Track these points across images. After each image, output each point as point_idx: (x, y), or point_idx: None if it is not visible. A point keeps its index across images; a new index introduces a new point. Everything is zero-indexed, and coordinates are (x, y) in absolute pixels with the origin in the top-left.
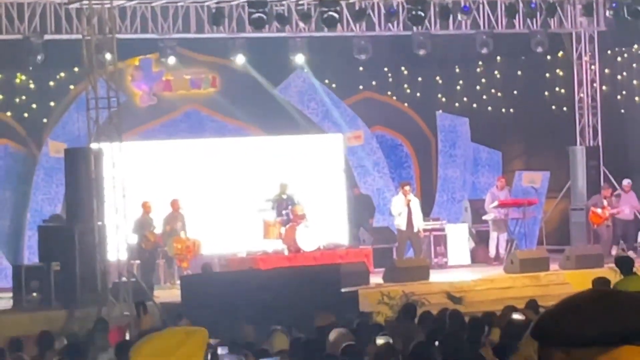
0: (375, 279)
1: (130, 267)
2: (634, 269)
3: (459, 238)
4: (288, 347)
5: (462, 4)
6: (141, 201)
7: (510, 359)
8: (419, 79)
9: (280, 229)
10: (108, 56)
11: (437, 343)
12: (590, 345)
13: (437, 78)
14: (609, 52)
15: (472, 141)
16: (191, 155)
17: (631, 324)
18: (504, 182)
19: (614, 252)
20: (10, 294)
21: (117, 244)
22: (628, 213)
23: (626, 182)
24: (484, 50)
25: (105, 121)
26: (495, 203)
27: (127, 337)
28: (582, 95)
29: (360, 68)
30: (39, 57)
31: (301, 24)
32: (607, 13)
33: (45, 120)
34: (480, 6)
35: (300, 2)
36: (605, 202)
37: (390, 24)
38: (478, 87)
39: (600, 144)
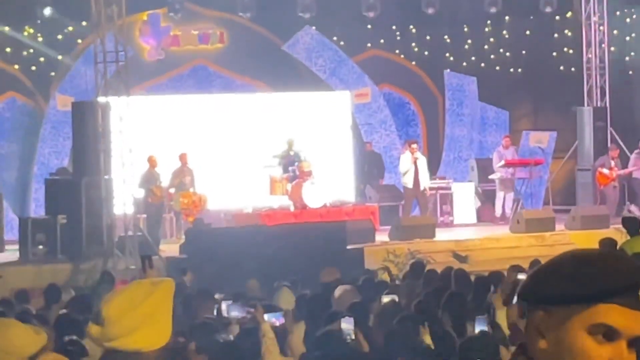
0: (381, 236)
1: (136, 221)
2: None
3: (465, 197)
4: (293, 304)
5: None
6: (147, 155)
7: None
8: (427, 37)
9: (287, 185)
10: (116, 10)
11: (441, 302)
12: (569, 303)
13: (446, 37)
14: (617, 12)
15: (480, 100)
16: (198, 111)
17: (607, 282)
18: (509, 141)
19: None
20: (17, 247)
21: (124, 198)
22: None
23: None
24: (493, 10)
25: (112, 75)
26: (502, 162)
27: None
28: (590, 56)
29: (369, 26)
30: (47, 11)
31: None
32: None
33: (52, 73)
34: None
35: None
36: (612, 163)
37: None
38: (486, 47)
39: (607, 104)
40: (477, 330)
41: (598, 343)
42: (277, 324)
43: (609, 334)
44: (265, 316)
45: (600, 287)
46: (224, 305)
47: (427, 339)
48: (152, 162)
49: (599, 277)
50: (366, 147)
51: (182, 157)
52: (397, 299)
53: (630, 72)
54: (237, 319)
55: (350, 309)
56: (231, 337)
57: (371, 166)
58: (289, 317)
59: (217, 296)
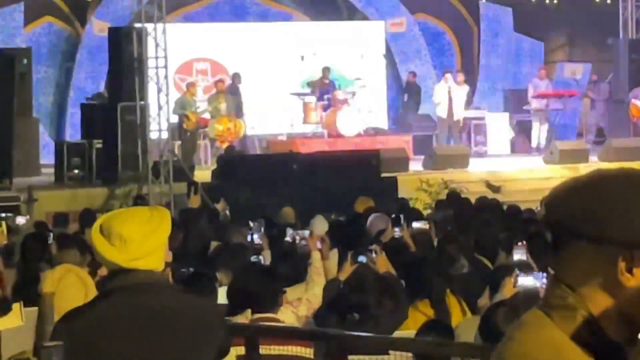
0: (415, 165)
1: (171, 147)
2: None
3: (499, 127)
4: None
5: None
6: (187, 82)
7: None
8: None
9: (321, 113)
10: None
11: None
12: None
13: None
14: None
15: (515, 31)
16: (234, 38)
17: None
18: (545, 73)
19: None
20: (52, 170)
21: (159, 124)
22: None
23: None
24: None
25: (149, 1)
26: (534, 93)
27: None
28: None
29: None
30: None
31: None
32: None
33: None
34: None
35: None
36: None
37: None
38: None
39: None
40: (515, 258)
41: None
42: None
43: None
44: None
45: None
46: (257, 233)
47: (463, 265)
48: (191, 88)
49: None
50: (409, 78)
51: (219, 83)
52: (427, 227)
53: None
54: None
55: (379, 235)
56: (262, 261)
57: (410, 97)
58: (325, 243)
59: (251, 223)
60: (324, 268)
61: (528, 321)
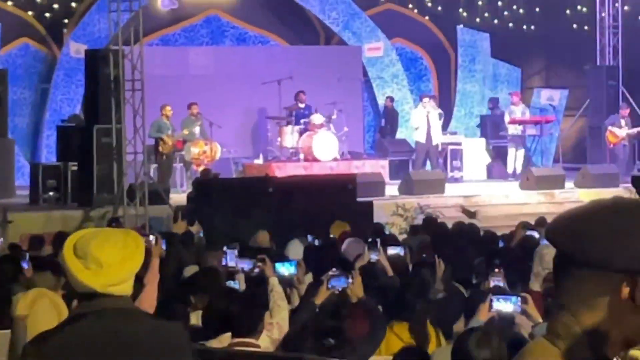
0: (391, 190)
1: (147, 170)
2: None
3: (475, 153)
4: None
5: None
6: (160, 105)
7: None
8: None
9: (298, 137)
10: None
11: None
12: None
13: None
14: None
15: (492, 57)
16: (211, 61)
17: None
18: (518, 98)
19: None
20: (27, 192)
21: (135, 146)
22: None
23: None
24: None
25: (126, 24)
26: (509, 119)
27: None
28: (603, 14)
29: None
30: None
31: None
32: None
33: (66, 20)
34: None
35: None
36: (623, 122)
37: None
38: (500, 3)
39: (620, 63)
40: (492, 285)
41: None
42: (287, 273)
43: None
44: (277, 265)
45: None
46: (231, 256)
47: (438, 290)
48: (165, 111)
49: None
50: (386, 102)
51: (192, 107)
52: (402, 253)
53: None
54: (245, 272)
55: (356, 260)
56: (237, 285)
57: (387, 121)
58: (301, 267)
59: (225, 248)
60: (299, 292)
61: (533, 350)
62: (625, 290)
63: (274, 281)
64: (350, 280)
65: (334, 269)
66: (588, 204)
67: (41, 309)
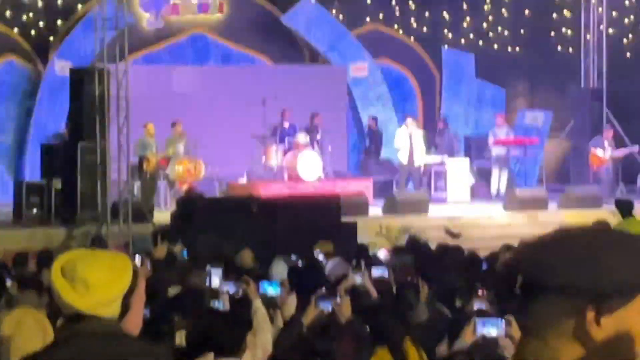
0: (375, 210)
1: (130, 188)
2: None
3: (459, 174)
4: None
5: None
6: (144, 123)
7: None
8: (426, 13)
9: (282, 156)
10: None
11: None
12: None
13: (444, 13)
14: None
15: (477, 78)
16: (196, 80)
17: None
18: (503, 120)
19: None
20: (11, 209)
21: (119, 165)
22: None
23: None
24: None
25: (111, 42)
26: (493, 140)
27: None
28: (588, 37)
29: (368, 0)
30: None
31: None
32: None
33: (51, 38)
34: None
35: None
36: (606, 144)
37: None
38: (485, 25)
39: (604, 86)
40: (475, 308)
41: None
42: (271, 294)
43: None
44: (261, 285)
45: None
46: (215, 277)
47: (421, 314)
48: (148, 129)
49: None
50: (370, 122)
51: (176, 125)
52: (386, 275)
53: (628, 55)
54: (230, 294)
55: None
56: (221, 306)
57: (371, 141)
58: (285, 287)
59: (209, 267)
60: (283, 312)
61: None
62: (590, 315)
63: (257, 303)
64: (338, 300)
65: (322, 289)
66: (555, 230)
67: (26, 329)
